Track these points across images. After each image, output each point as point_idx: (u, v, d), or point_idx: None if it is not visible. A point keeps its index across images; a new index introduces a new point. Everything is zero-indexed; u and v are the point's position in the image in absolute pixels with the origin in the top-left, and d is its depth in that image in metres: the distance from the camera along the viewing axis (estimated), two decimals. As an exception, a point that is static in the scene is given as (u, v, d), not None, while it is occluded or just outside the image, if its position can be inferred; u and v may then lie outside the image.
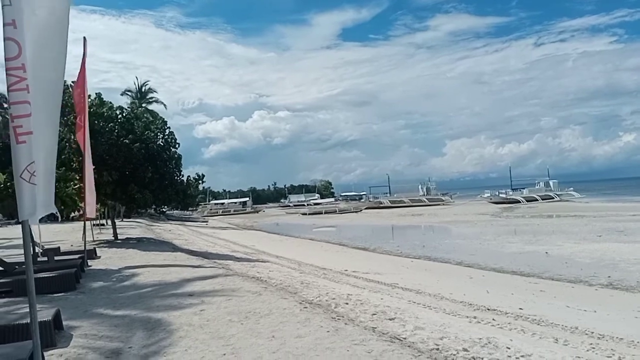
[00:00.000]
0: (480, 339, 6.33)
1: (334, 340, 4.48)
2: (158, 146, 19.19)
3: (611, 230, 26.98)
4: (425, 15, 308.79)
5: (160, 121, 20.75)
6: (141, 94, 63.43)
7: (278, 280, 11.21)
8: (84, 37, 11.63)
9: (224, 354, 4.25)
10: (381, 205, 74.02)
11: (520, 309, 9.14)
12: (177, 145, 19.78)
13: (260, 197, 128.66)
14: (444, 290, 11.24)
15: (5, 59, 3.23)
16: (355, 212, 67.66)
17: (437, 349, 5.63)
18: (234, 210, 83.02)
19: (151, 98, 63.98)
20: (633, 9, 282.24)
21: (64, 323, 5.40)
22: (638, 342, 6.67)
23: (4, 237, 26.16)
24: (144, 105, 58.27)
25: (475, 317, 8.06)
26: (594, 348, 6.24)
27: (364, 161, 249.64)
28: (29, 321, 4.56)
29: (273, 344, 4.44)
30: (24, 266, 10.41)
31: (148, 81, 64.16)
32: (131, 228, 30.26)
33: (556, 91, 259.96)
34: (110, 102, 19.53)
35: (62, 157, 16.97)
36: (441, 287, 11.97)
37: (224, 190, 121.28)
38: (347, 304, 8.51)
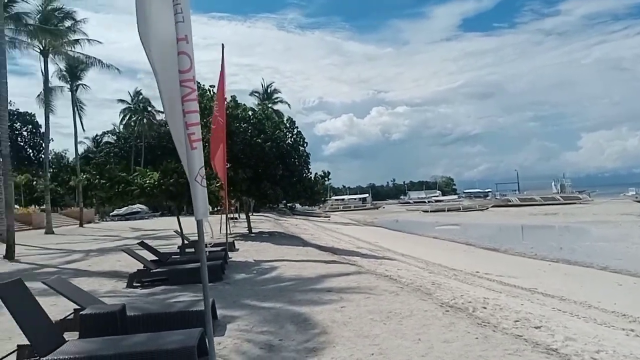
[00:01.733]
0: (643, 356, 5.73)
1: (484, 347, 4.31)
2: (288, 145, 20.00)
3: None
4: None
5: (289, 121, 21.59)
6: (267, 95, 66.70)
7: (408, 279, 11.10)
8: (222, 44, 12.43)
9: (372, 354, 4.29)
10: (509, 203, 70.12)
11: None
12: (305, 144, 20.47)
13: (379, 194, 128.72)
14: (591, 298, 10.36)
15: (180, 72, 3.54)
16: (481, 210, 64.90)
17: (597, 365, 5.20)
18: (354, 206, 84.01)
19: (276, 98, 67.03)
20: None
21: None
22: None
23: (152, 228, 29.09)
24: (270, 105, 61.15)
25: (632, 330, 7.32)
26: None
27: (488, 156, 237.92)
28: (193, 310, 5.00)
29: (420, 347, 4.39)
30: (175, 256, 11.47)
31: (273, 82, 67.22)
32: (261, 222, 31.96)
33: None
34: (244, 104, 20.74)
35: (205, 156, 18.38)
36: (586, 294, 11.05)
37: (344, 186, 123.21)
38: (485, 308, 8.18)
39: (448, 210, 65.17)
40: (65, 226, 36.42)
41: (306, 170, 20.24)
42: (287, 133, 20.58)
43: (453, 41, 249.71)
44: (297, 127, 20.98)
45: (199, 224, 3.57)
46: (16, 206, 37.31)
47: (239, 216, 33.82)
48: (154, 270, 9.00)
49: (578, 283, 13.39)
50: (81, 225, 36.41)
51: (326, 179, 21.43)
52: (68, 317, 5.16)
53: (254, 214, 39.46)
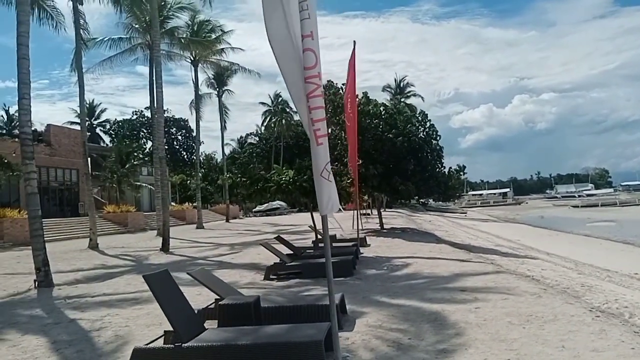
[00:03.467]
0: None
1: (643, 361, 3.78)
2: (420, 139, 19.59)
3: None
4: None
5: (422, 114, 21.14)
6: (400, 89, 66.23)
7: (553, 280, 10.24)
8: (354, 41, 12.54)
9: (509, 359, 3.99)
10: (679, 197, 61.51)
11: None
12: (438, 138, 19.89)
13: (522, 188, 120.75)
14: None
15: (305, 68, 3.59)
16: (643, 204, 57.80)
17: None
18: (494, 202, 79.83)
19: (409, 92, 66.26)
20: None
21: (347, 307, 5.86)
22: None
23: (289, 224, 30.46)
24: (402, 99, 60.72)
25: None
26: None
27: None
28: (322, 303, 5.10)
29: (564, 355, 3.99)
30: (309, 251, 11.85)
31: (406, 76, 66.63)
32: (393, 218, 31.79)
33: None
34: (375, 100, 20.75)
35: (335, 153, 18.78)
36: None
37: (482, 181, 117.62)
38: (646, 315, 7.24)
39: (602, 205, 59.01)
40: (214, 221, 39.71)
41: (439, 165, 19.67)
42: (420, 127, 20.16)
43: (608, 18, 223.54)
44: (429, 120, 20.47)
45: (324, 219, 3.60)
46: (172, 203, 41.66)
47: (371, 212, 34.01)
48: (289, 264, 9.37)
49: None
50: (227, 220, 39.38)
51: (461, 173, 20.62)
52: (209, 307, 5.57)
53: (386, 210, 39.38)
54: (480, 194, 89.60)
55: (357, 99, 17.48)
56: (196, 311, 4.87)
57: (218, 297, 5.47)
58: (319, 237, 14.69)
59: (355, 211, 16.11)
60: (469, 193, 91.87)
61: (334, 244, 12.54)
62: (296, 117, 63.52)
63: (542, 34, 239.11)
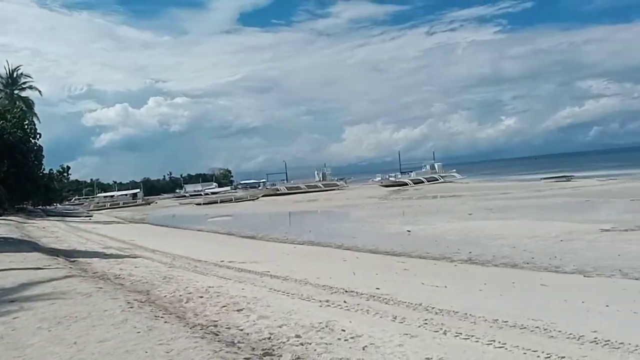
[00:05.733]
0: (320, 323, 6.41)
1: (139, 341, 4.21)
2: (15, 137, 17.46)
3: (481, 208, 29.18)
4: (328, 2, 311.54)
5: (19, 109, 18.93)
6: (12, 80, 57.74)
7: (138, 277, 10.67)
8: None
9: (11, 368, 3.84)
10: (278, 192, 74.26)
11: (377, 288, 9.41)
12: (37, 137, 18.15)
13: (155, 188, 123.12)
14: (312, 275, 11.29)
15: None
16: (252, 200, 67.28)
17: (269, 339, 5.58)
18: (124, 203, 78.78)
19: (24, 83, 58.52)
20: (516, 1, 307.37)
21: None
22: (470, 315, 7.09)
23: None
24: (16, 91, 53.50)
25: (327, 301, 8.17)
26: (426, 323, 6.54)
27: (266, 148, 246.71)
28: None
29: (70, 351, 4.09)
30: None
31: (21, 66, 58.22)
32: (-5, 227, 27.51)
33: (447, 78, 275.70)
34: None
35: None
36: (312, 272, 12.03)
37: (115, 182, 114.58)
38: (201, 297, 8.28)
39: (221, 202, 65.85)
40: None
41: (38, 166, 17.97)
42: (17, 123, 17.96)
43: (233, 34, 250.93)
44: (29, 117, 18.52)
45: None
46: None
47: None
48: None
49: (311, 262, 14.67)
50: None
51: (65, 174, 19.40)
52: None
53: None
54: (112, 196, 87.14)
55: None
56: None
57: None
58: None
59: None
60: (101, 195, 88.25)
61: None
62: None
63: (177, 40, 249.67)
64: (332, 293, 9.13)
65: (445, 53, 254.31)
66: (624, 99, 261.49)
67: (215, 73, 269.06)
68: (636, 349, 5.36)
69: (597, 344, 5.63)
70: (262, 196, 71.14)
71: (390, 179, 72.01)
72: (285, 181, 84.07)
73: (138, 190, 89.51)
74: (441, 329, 6.26)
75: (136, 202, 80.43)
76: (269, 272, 12.18)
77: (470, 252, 14.61)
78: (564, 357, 5.08)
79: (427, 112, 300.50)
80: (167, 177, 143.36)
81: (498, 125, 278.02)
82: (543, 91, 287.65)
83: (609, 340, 5.68)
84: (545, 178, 55.37)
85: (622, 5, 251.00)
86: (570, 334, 5.99)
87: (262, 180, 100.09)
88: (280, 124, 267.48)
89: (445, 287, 9.96)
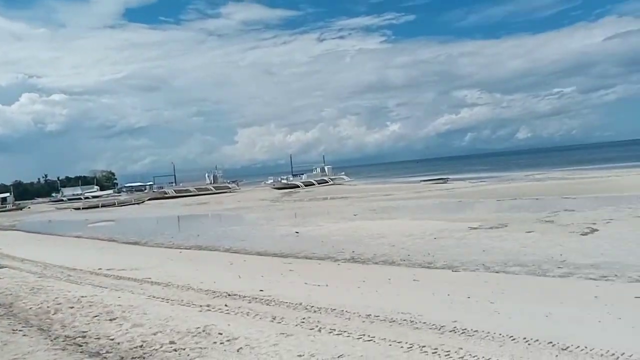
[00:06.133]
0: (198, 328, 6.37)
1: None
2: None
3: (366, 209, 30.50)
4: (219, 2, 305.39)
5: None
6: None
7: (2, 288, 9.85)
8: None
9: None
10: (166, 195, 71.56)
11: (261, 290, 9.51)
12: None
13: (28, 192, 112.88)
14: (196, 280, 11.11)
15: None
16: (137, 204, 64.13)
17: (141, 347, 5.44)
18: (-10, 209, 71.30)
19: None
20: (399, 13, 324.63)
21: None
22: (346, 311, 7.43)
23: None
24: None
25: (208, 305, 8.11)
26: (303, 322, 6.75)
27: (154, 149, 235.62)
28: None
29: None
30: None
31: None
32: None
33: (337, 84, 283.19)
34: None
35: None
36: (195, 277, 11.82)
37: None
38: (72, 307, 7.85)
39: (102, 206, 62.01)
40: None
41: None
42: None
43: (118, 29, 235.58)
44: None
45: None
46: None
47: None
48: None
49: (196, 267, 14.35)
50: None
51: None
52: None
53: None
54: (-24, 201, 78.37)
55: None
56: None
57: None
58: None
59: None
60: (-39, 201, 79.00)
61: None
62: None
63: (54, 33, 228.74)
64: (214, 297, 9.06)
65: (335, 59, 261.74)
66: (494, 108, 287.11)
67: (98, 70, 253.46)
68: (487, 335, 5.97)
69: (455, 332, 6.18)
70: (148, 200, 68.10)
71: (282, 181, 72.54)
72: (174, 184, 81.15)
73: (8, 194, 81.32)
74: (317, 326, 6.51)
75: (5, 207, 73.12)
76: (150, 278, 11.77)
77: (353, 251, 15.19)
78: (424, 346, 5.52)
79: (318, 116, 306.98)
80: (42, 180, 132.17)
81: (384, 131, 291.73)
82: (424, 99, 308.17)
83: (465, 329, 6.25)
84: (424, 180, 59.20)
85: (492, 23, 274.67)
86: (433, 324, 6.52)
87: (148, 183, 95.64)
88: (169, 124, 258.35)
89: (327, 285, 10.31)
